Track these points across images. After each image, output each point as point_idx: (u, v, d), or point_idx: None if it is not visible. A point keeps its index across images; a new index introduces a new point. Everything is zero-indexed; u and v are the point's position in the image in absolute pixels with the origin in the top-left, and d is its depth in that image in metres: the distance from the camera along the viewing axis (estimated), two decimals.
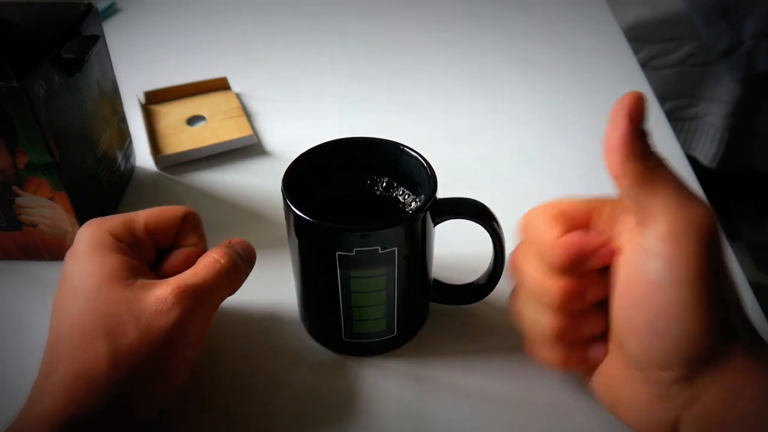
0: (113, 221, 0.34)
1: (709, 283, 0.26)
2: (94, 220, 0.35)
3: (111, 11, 0.80)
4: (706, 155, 1.41)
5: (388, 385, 0.37)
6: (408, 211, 0.37)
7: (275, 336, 0.40)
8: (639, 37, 1.26)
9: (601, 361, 0.32)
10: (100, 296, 0.31)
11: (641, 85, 0.65)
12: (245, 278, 0.35)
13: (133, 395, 0.30)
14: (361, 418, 0.35)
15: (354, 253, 0.33)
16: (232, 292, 0.35)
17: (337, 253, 0.33)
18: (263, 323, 0.40)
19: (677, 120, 1.40)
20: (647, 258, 0.27)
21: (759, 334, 0.29)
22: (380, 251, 0.33)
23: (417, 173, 0.37)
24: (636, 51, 0.96)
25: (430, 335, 0.39)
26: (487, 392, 0.36)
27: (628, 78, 0.66)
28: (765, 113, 1.37)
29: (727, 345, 0.27)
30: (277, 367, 0.38)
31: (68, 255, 0.34)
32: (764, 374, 0.27)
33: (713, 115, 1.37)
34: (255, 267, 0.36)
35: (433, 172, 0.36)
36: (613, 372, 0.31)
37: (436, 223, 0.36)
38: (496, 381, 0.37)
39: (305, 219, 0.33)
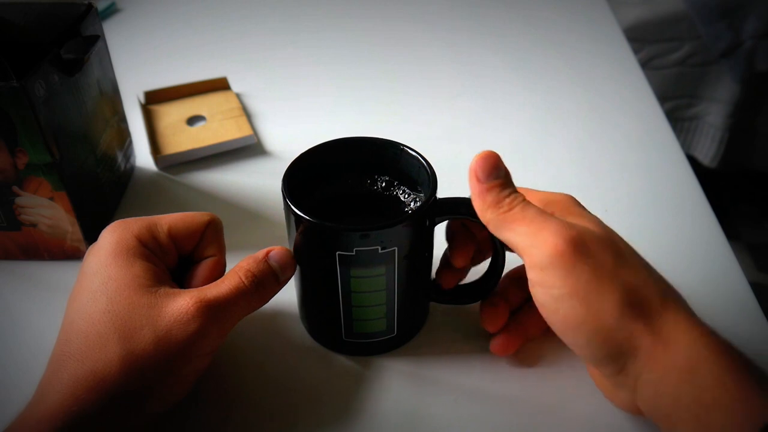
0: (139, 224, 0.34)
1: (581, 295, 0.29)
2: (119, 221, 0.35)
3: (111, 11, 0.80)
4: (706, 155, 1.41)
5: (388, 385, 0.37)
6: (408, 211, 0.37)
7: (276, 335, 0.40)
8: (639, 37, 1.26)
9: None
10: (122, 300, 0.31)
11: (641, 85, 0.65)
12: (273, 295, 0.35)
13: (140, 398, 0.30)
14: (362, 417, 0.35)
15: (354, 253, 0.32)
16: (250, 312, 0.34)
17: (337, 252, 0.33)
18: (264, 323, 0.40)
19: (677, 120, 1.40)
20: (532, 288, 0.31)
21: (677, 296, 0.31)
22: (380, 251, 0.33)
23: (417, 173, 0.37)
24: (636, 51, 0.96)
25: (431, 335, 0.39)
26: (486, 392, 0.36)
27: (628, 78, 0.66)
28: (765, 113, 1.37)
29: (646, 326, 0.29)
30: (278, 366, 0.38)
31: (91, 254, 0.34)
32: (684, 342, 0.28)
33: (713, 115, 1.37)
34: None
35: (433, 171, 0.36)
36: (590, 366, 0.35)
37: (436, 223, 0.36)
38: (495, 381, 0.37)
39: (305, 219, 0.33)
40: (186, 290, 0.32)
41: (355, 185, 0.39)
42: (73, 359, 0.30)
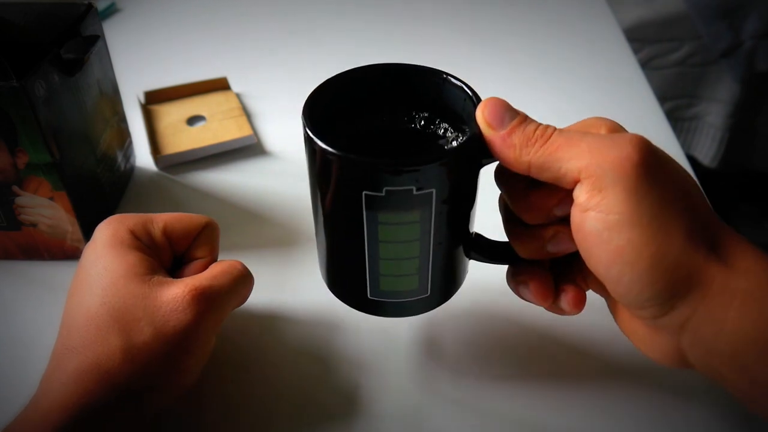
0: (134, 220, 0.35)
1: (644, 222, 0.25)
2: (114, 216, 0.35)
3: (111, 11, 0.80)
4: (706, 155, 1.41)
5: (388, 382, 0.37)
6: (450, 148, 0.32)
7: (274, 336, 0.40)
8: (639, 37, 1.26)
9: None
10: (117, 290, 0.31)
11: (641, 85, 0.65)
12: (249, 293, 0.36)
13: (143, 392, 0.30)
14: (362, 417, 0.35)
15: (384, 194, 0.27)
16: (241, 302, 0.35)
17: (364, 192, 0.28)
18: (263, 324, 0.40)
19: (677, 120, 1.40)
20: (581, 212, 0.27)
21: (734, 236, 0.27)
22: (415, 192, 0.28)
23: (462, 107, 0.32)
24: (636, 51, 0.96)
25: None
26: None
27: (628, 78, 0.66)
28: (765, 113, 1.37)
29: (698, 266, 0.26)
30: (276, 366, 0.38)
31: (87, 248, 0.34)
32: (743, 284, 0.25)
33: (713, 115, 1.37)
34: (255, 266, 0.36)
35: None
36: (620, 310, 0.30)
37: (482, 165, 0.30)
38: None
39: (327, 150, 0.28)
40: (179, 279, 0.33)
41: (390, 121, 0.34)
42: (76, 352, 0.30)
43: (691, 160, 1.38)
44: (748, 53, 1.27)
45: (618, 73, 0.67)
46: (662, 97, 1.32)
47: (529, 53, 0.71)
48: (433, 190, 0.28)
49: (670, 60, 1.31)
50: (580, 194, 0.26)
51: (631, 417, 0.35)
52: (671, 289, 0.26)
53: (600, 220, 0.26)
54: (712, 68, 1.32)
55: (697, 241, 0.26)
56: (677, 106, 1.38)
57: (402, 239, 0.29)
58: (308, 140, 0.29)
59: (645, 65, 1.29)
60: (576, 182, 0.27)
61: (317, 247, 0.34)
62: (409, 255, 0.30)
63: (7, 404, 0.30)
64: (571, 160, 0.26)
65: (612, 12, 0.80)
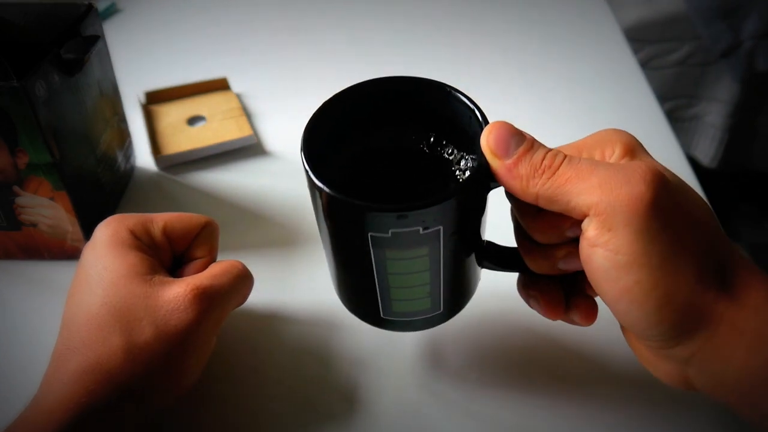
0: (134, 220, 0.35)
1: (653, 264, 0.25)
2: (114, 216, 0.35)
3: (111, 11, 0.80)
4: (706, 155, 1.41)
5: (388, 382, 0.37)
6: (458, 177, 0.31)
7: (274, 336, 0.40)
8: (639, 37, 1.26)
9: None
10: (119, 290, 0.31)
11: (641, 85, 0.65)
12: (249, 293, 0.36)
13: (144, 391, 0.30)
14: (361, 417, 0.35)
15: (390, 235, 0.27)
16: (242, 302, 0.35)
17: (370, 234, 0.27)
18: (263, 324, 0.40)
19: (677, 120, 1.40)
20: (590, 247, 0.26)
21: (747, 268, 0.26)
22: (422, 231, 0.27)
23: (468, 124, 0.30)
24: (636, 51, 0.96)
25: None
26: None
27: (628, 78, 0.66)
28: (765, 113, 1.37)
29: (706, 306, 0.25)
30: (276, 366, 0.38)
31: (86, 248, 0.34)
32: (752, 322, 0.25)
33: (713, 115, 1.37)
34: (255, 266, 0.36)
35: (487, 122, 0.29)
36: (629, 330, 0.30)
37: (491, 188, 0.29)
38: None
39: (328, 193, 0.27)
40: (180, 279, 0.33)
41: (396, 138, 0.33)
42: (78, 352, 0.30)
43: (691, 160, 1.38)
44: (747, 53, 1.27)
45: (618, 73, 0.67)
46: (662, 97, 1.32)
47: (528, 53, 0.71)
48: (441, 227, 0.27)
49: (669, 60, 1.31)
50: (589, 228, 0.26)
51: (634, 426, 0.35)
52: (678, 328, 0.25)
53: (608, 258, 0.25)
54: (711, 68, 1.32)
55: (707, 281, 0.25)
56: (677, 106, 1.38)
57: (411, 271, 0.29)
58: (308, 177, 0.28)
59: (645, 65, 1.29)
60: (585, 216, 0.26)
61: (328, 266, 0.34)
62: (419, 283, 0.30)
63: (8, 404, 0.30)
64: (580, 195, 0.25)
65: (612, 12, 0.80)
